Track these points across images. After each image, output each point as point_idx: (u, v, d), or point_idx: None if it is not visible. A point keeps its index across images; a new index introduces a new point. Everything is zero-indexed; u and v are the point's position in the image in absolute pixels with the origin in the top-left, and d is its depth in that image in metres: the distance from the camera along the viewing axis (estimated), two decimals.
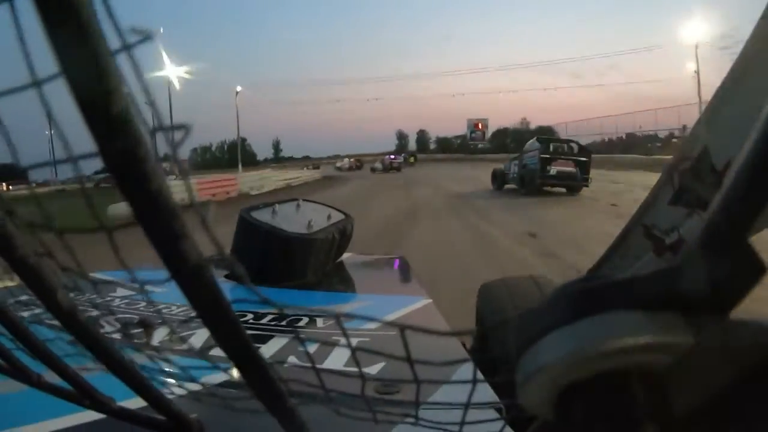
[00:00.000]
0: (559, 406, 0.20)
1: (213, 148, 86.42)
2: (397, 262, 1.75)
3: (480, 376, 0.31)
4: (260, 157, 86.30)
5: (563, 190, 12.93)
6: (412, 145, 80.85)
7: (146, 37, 0.16)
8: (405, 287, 1.42)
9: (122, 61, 0.16)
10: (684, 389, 0.21)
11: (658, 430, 0.19)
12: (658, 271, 0.19)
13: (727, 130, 1.10)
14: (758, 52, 0.95)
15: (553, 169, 12.59)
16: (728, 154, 1.12)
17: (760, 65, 0.96)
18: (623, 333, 0.18)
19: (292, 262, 1.30)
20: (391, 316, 1.01)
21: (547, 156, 12.77)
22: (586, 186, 12.76)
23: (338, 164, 44.65)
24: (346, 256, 1.65)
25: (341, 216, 1.60)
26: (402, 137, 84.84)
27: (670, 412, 0.20)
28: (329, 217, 1.55)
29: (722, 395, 0.22)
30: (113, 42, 0.16)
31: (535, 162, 12.93)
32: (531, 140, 14.36)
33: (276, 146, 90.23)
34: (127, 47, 0.16)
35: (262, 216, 1.36)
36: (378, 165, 38.10)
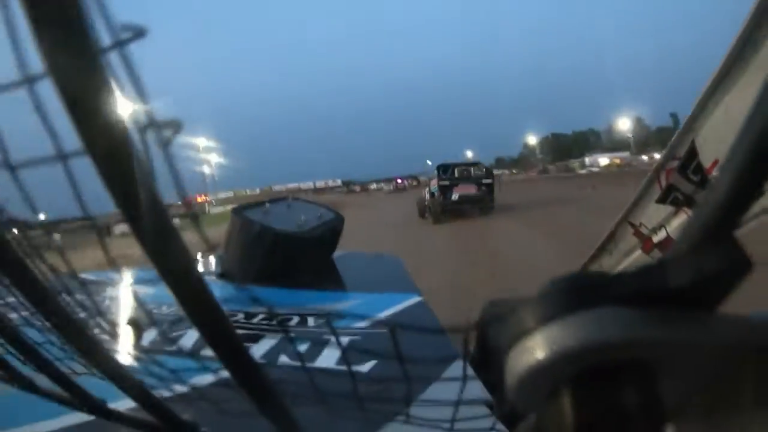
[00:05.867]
0: (549, 402, 0.20)
1: None
2: (388, 260, 1.75)
3: (471, 372, 0.31)
4: None
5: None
6: None
7: (139, 33, 0.16)
8: (396, 284, 1.42)
9: (114, 57, 0.16)
10: (673, 384, 0.21)
11: (648, 424, 0.19)
12: (647, 267, 0.19)
13: (714, 129, 1.12)
14: (744, 51, 0.96)
15: (455, 195, 12.93)
16: (716, 152, 1.14)
17: (746, 64, 0.97)
18: (613, 329, 0.18)
19: (283, 260, 1.30)
20: (383, 314, 1.01)
21: (446, 183, 13.21)
22: (491, 207, 13.18)
23: None
24: (337, 254, 1.66)
25: (332, 215, 1.61)
26: None
27: (660, 407, 0.20)
28: (320, 215, 1.56)
29: (710, 390, 0.23)
30: (105, 38, 0.16)
31: (436, 189, 13.30)
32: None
33: None
34: (119, 43, 0.16)
35: (254, 215, 1.36)
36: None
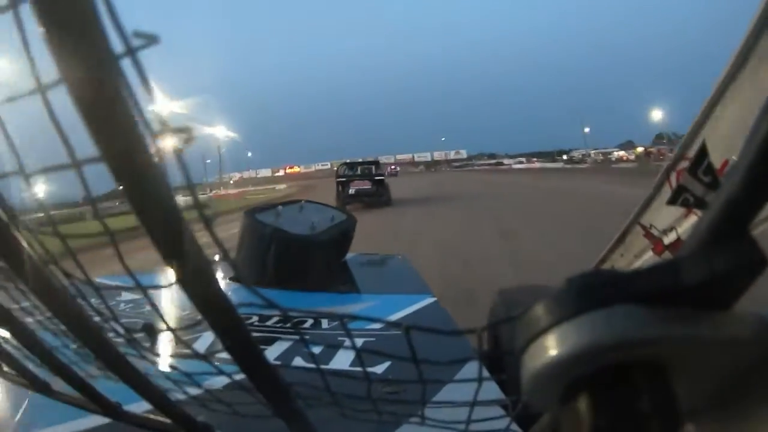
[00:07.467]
0: (564, 401, 0.20)
1: None
2: (399, 261, 1.76)
3: (486, 373, 0.31)
4: None
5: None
6: None
7: (150, 40, 0.16)
8: (409, 286, 1.42)
9: (126, 64, 0.16)
10: (687, 382, 0.21)
11: (664, 423, 0.19)
12: (661, 265, 0.19)
13: (724, 129, 1.11)
14: (753, 51, 0.96)
15: (352, 189, 15.29)
16: (726, 152, 1.13)
17: (754, 64, 0.97)
18: (627, 327, 0.18)
19: (295, 263, 1.30)
20: (397, 316, 1.01)
21: (343, 179, 15.70)
22: (387, 200, 15.32)
23: None
24: (349, 255, 1.66)
25: (344, 217, 1.61)
26: None
27: (675, 405, 0.20)
28: (332, 218, 1.57)
29: (725, 388, 0.22)
30: (117, 45, 0.16)
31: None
32: None
33: None
34: (131, 51, 0.16)
35: (266, 217, 1.37)
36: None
